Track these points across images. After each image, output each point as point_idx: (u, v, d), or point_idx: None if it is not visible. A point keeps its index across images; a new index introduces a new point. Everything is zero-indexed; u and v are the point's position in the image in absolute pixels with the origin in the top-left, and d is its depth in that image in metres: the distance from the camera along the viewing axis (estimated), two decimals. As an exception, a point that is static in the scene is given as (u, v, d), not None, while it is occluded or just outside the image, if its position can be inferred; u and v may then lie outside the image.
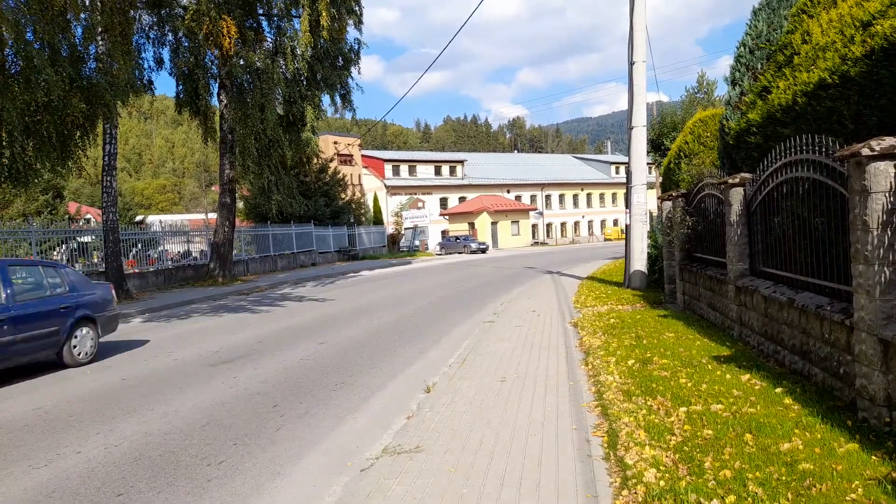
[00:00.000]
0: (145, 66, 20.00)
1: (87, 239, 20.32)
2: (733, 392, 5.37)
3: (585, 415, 5.41)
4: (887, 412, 4.21)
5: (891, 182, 4.23)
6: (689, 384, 5.79)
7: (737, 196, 7.85)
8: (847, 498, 3.31)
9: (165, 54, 20.79)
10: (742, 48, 10.03)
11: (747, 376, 5.85)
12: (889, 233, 4.23)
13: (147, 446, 5.35)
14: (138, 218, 39.84)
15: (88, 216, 43.26)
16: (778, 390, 5.30)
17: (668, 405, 5.22)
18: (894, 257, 4.22)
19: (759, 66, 9.33)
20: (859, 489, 3.39)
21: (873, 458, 3.78)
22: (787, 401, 5.00)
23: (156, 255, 22.37)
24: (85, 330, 9.21)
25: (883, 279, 4.25)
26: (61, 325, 8.78)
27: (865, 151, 4.26)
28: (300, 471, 4.70)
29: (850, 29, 5.99)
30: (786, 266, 6.50)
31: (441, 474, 4.22)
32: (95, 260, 19.70)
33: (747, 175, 7.69)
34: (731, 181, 7.89)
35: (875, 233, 4.28)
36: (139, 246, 21.79)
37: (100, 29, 13.73)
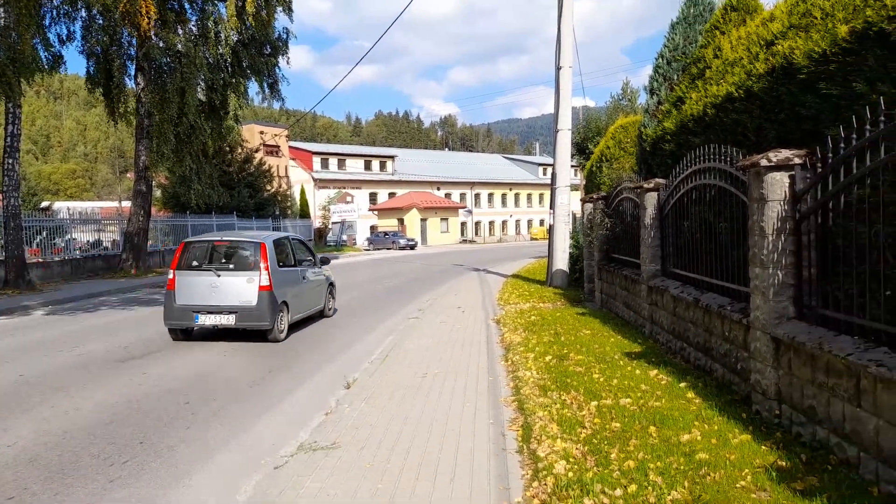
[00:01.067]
0: (54, 41, 18.73)
1: (-15, 225, 18.86)
2: (641, 387, 5.63)
3: (503, 409, 5.52)
4: (777, 405, 4.53)
5: (785, 191, 4.55)
6: (602, 379, 6.02)
7: (651, 200, 8.21)
8: (738, 485, 3.53)
9: (77, 30, 19.42)
10: (660, 59, 10.49)
11: (655, 371, 6.14)
12: (783, 239, 4.55)
13: (45, 446, 5.04)
14: (44, 204, 37.37)
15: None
16: (682, 385, 5.60)
17: (581, 399, 5.41)
18: (787, 261, 4.54)
19: (676, 77, 9.80)
20: (748, 476, 3.63)
21: (763, 447, 4.06)
22: (690, 395, 5.29)
23: (63, 244, 21.02)
24: None
25: (776, 281, 4.57)
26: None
27: (764, 162, 4.56)
28: (210, 470, 4.56)
29: (755, 47, 6.38)
30: (693, 268, 6.87)
31: (356, 470, 4.20)
32: (-1, 248, 18.33)
33: (661, 180, 8.06)
34: (646, 186, 8.25)
35: (770, 238, 4.59)
36: (44, 234, 20.41)
37: (3, 2, 12.76)
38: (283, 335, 9.33)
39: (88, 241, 22.82)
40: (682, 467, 3.81)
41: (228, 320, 8.93)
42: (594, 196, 12.27)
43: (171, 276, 9.24)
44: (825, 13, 4.97)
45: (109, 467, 4.59)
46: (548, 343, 7.99)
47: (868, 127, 3.63)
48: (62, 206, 34.51)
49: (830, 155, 4.10)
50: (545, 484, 3.79)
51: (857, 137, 3.78)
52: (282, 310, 9.32)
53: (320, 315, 11.46)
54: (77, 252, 21.21)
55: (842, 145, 3.94)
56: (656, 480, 3.64)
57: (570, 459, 4.10)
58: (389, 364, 7.44)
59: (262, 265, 9.07)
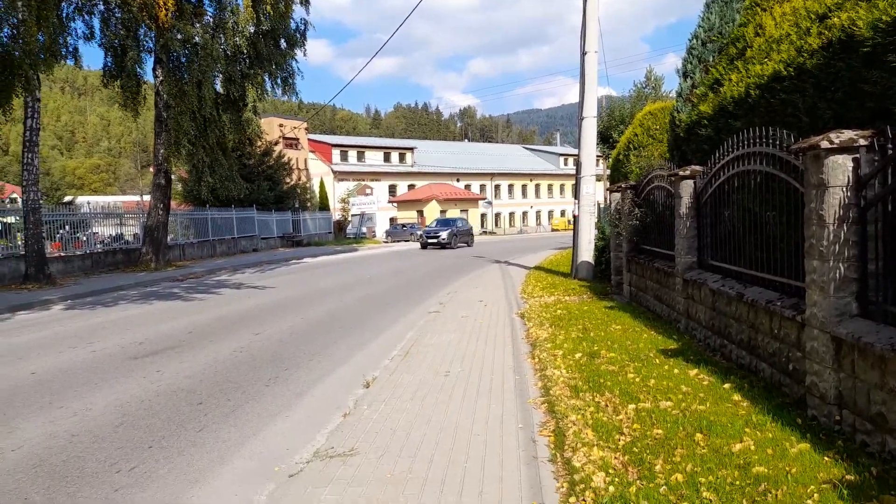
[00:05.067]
0: (72, 36, 18.62)
1: (10, 219, 18.90)
2: (682, 388, 5.22)
3: (532, 412, 5.16)
4: (837, 411, 4.11)
5: (849, 176, 4.10)
6: (637, 379, 5.62)
7: (687, 188, 7.75)
8: (804, 505, 3.14)
9: (96, 24, 19.28)
10: (695, 40, 9.97)
11: (695, 371, 5.73)
12: (845, 228, 4.11)
13: (50, 450, 4.80)
14: (67, 198, 37.77)
15: (14, 195, 40.64)
16: (726, 386, 5.18)
17: (617, 402, 5.03)
18: (850, 253, 4.10)
19: (711, 59, 9.29)
20: (815, 494, 3.23)
21: (825, 458, 3.65)
22: (736, 397, 4.88)
23: (84, 238, 21.05)
24: None
25: (838, 275, 4.13)
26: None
27: (825, 144, 4.12)
28: (221, 478, 4.27)
29: (805, 21, 5.90)
30: (735, 260, 6.42)
31: (376, 481, 3.87)
32: (19, 242, 18.37)
33: (698, 168, 7.60)
34: (681, 173, 7.79)
35: (831, 228, 4.15)
36: (66, 228, 20.44)
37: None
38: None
39: (110, 235, 22.86)
40: (737, 482, 3.42)
41: None
42: (622, 185, 11.79)
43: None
44: (891, -22, 4.48)
45: (115, 474, 4.32)
46: (576, 339, 7.60)
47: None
48: (84, 201, 34.76)
49: (904, 134, 3.65)
50: (584, 500, 3.43)
51: (938, 112, 3.34)
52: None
53: None
54: (98, 246, 21.23)
55: (919, 122, 3.49)
56: (710, 498, 3.26)
57: (610, 471, 3.73)
58: (410, 361, 7.12)
59: None
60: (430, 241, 32.30)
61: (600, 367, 6.16)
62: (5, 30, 13.34)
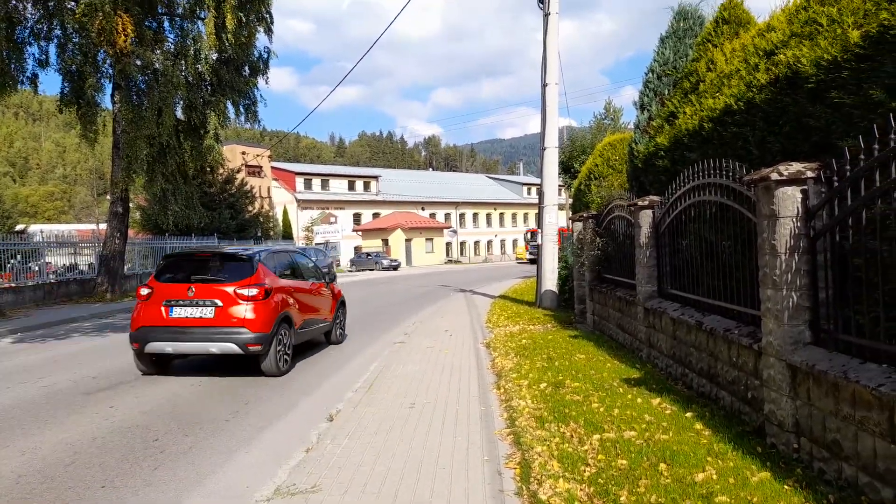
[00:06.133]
0: (28, 61, 18.25)
1: (-44, 249, 18.18)
2: (645, 417, 5.27)
3: (497, 444, 5.12)
4: (795, 438, 4.19)
5: (798, 207, 4.26)
6: (602, 409, 5.65)
7: (646, 218, 7.93)
8: (765, 533, 3.17)
9: (52, 50, 18.92)
10: (650, 74, 10.31)
11: (658, 400, 5.79)
12: (796, 258, 4.25)
13: (-8, 494, 4.55)
14: (19, 227, 36.53)
15: (-38, 224, 39.11)
16: (688, 415, 5.25)
17: (582, 432, 5.03)
18: (801, 282, 4.23)
19: (667, 92, 9.60)
20: (775, 523, 3.27)
21: (785, 487, 3.71)
22: (698, 426, 4.94)
23: (36, 269, 20.34)
24: None
25: (791, 304, 4.26)
26: None
27: (774, 176, 4.28)
28: (176, 519, 4.10)
29: (754, 58, 6.16)
30: (693, 289, 6.56)
31: (339, 519, 3.77)
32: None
33: (656, 198, 7.79)
34: (640, 203, 7.98)
35: (783, 257, 4.28)
36: (18, 258, 19.72)
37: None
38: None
39: (64, 265, 22.12)
40: (700, 512, 3.44)
41: None
42: (584, 215, 12.00)
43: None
44: (831, 19, 4.74)
45: (63, 518, 4.11)
46: (541, 369, 7.61)
47: (893, 136, 3.35)
48: (37, 229, 33.66)
49: (848, 168, 3.81)
50: (550, 534, 3.40)
51: (879, 148, 3.50)
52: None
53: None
54: (51, 276, 20.52)
55: (861, 157, 3.66)
56: (674, 529, 3.26)
57: (576, 503, 3.71)
58: (375, 393, 7.01)
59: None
60: None
61: (565, 397, 6.17)
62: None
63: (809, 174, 4.21)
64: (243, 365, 8.65)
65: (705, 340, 5.90)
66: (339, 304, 11.17)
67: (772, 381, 4.45)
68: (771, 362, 4.46)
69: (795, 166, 4.25)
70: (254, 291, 8.17)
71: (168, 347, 8.21)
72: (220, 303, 8.13)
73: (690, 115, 7.43)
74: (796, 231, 4.25)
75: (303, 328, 9.37)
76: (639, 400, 5.86)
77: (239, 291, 8.15)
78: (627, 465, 4.21)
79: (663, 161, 8.41)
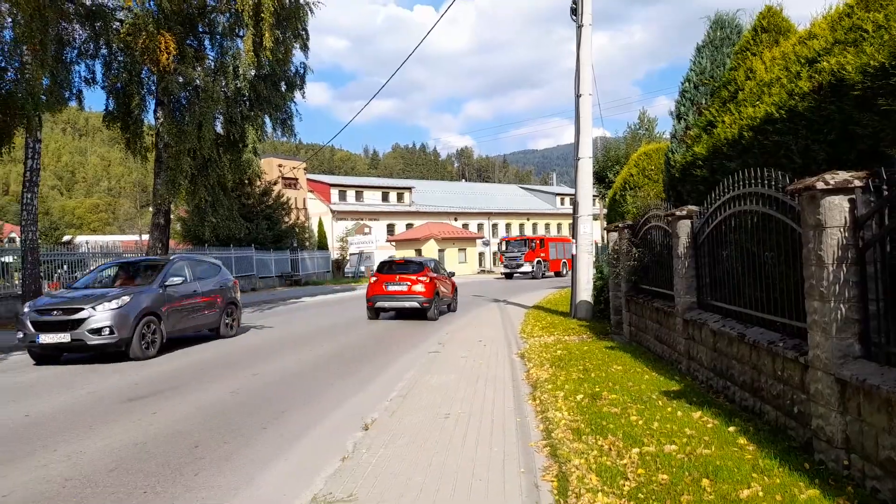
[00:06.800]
0: (75, 79, 18.95)
1: (8, 259, 18.90)
2: (686, 431, 5.15)
3: (534, 456, 5.08)
4: (845, 455, 4.05)
5: (846, 217, 4.14)
6: (641, 422, 5.55)
7: (684, 228, 7.80)
8: (815, 553, 3.07)
9: (98, 68, 19.68)
10: (687, 83, 10.18)
11: (698, 413, 5.66)
12: (844, 269, 4.12)
13: (41, 496, 4.69)
14: (66, 238, 37.79)
15: (13, 235, 40.71)
16: (731, 429, 5.11)
17: (620, 445, 4.95)
18: (850, 294, 4.10)
19: (704, 101, 9.46)
20: (825, 542, 3.16)
21: (836, 506, 3.58)
22: (742, 441, 4.81)
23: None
24: None
25: (839, 316, 4.13)
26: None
27: (820, 185, 4.17)
28: (217, 525, 4.16)
29: (795, 65, 6.04)
30: (734, 300, 6.41)
31: (376, 529, 3.78)
32: (17, 282, 18.32)
33: (694, 207, 7.66)
34: (678, 213, 7.85)
35: (831, 269, 4.16)
36: (64, 267, 20.42)
37: (22, 37, 12.84)
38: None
39: (108, 275, 22.81)
40: (746, 530, 3.35)
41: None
42: (620, 225, 11.87)
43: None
44: (878, 25, 4.62)
45: (108, 522, 4.21)
46: (577, 380, 7.52)
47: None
48: (83, 240, 34.79)
49: (899, 175, 3.70)
50: (590, 548, 3.35)
51: (932, 155, 3.39)
52: None
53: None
54: (95, 286, 21.13)
55: (913, 164, 3.54)
56: (719, 547, 3.18)
57: (616, 518, 3.65)
58: (410, 403, 7.03)
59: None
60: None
61: (602, 409, 6.08)
62: (9, 72, 13.58)
63: (857, 183, 4.09)
64: (419, 314, 16.57)
65: (748, 353, 5.76)
66: (455, 290, 19.45)
67: (819, 395, 4.31)
68: (818, 376, 4.32)
69: (842, 175, 4.14)
70: (424, 278, 16.38)
71: (385, 304, 16.59)
72: (409, 284, 16.30)
73: (729, 124, 7.30)
74: (844, 241, 4.13)
75: (442, 300, 17.58)
76: (679, 413, 5.74)
77: (418, 278, 16.33)
78: (669, 480, 4.12)
79: (701, 171, 8.27)
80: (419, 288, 16.17)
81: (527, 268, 42.04)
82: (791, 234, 4.97)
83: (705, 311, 7.29)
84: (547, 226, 71.81)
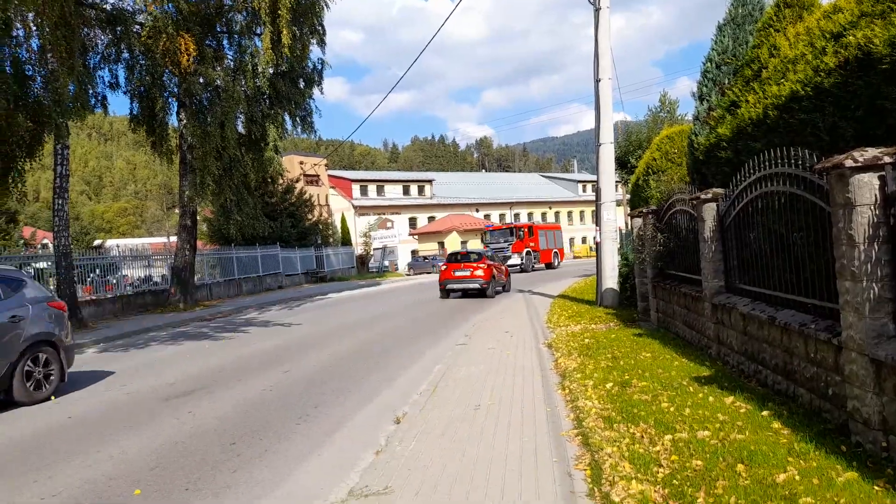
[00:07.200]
0: (99, 84, 19.32)
1: (42, 265, 19.40)
2: (718, 416, 5.13)
3: (565, 445, 5.10)
4: (883, 436, 4.00)
5: (875, 194, 4.07)
6: (672, 408, 5.53)
7: (710, 211, 7.71)
8: (854, 536, 3.05)
9: (121, 72, 20.11)
10: (708, 63, 10.02)
11: (731, 398, 5.62)
12: (876, 247, 4.06)
13: (87, 495, 4.85)
14: (96, 242, 38.62)
15: (45, 241, 41.77)
16: (764, 413, 5.07)
17: (652, 432, 4.95)
18: (882, 273, 4.04)
19: (727, 81, 9.30)
20: (865, 525, 3.14)
21: (875, 488, 3.54)
22: (776, 425, 4.77)
23: (114, 281, 21.49)
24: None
25: (872, 296, 4.06)
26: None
27: (849, 163, 4.10)
28: (257, 520, 4.27)
29: (820, 41, 5.92)
30: (763, 283, 6.34)
31: (412, 520, 3.84)
32: (52, 287, 18.82)
33: (719, 190, 7.56)
34: (703, 196, 7.76)
35: (862, 247, 4.10)
36: (97, 272, 20.89)
37: (49, 46, 13.14)
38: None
39: (139, 277, 23.28)
40: (783, 514, 3.34)
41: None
42: (643, 210, 11.76)
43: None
44: (906, -3, 4.50)
45: (152, 518, 4.34)
46: (606, 368, 7.51)
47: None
48: (113, 244, 35.54)
49: (931, 151, 3.62)
50: (625, 535, 3.37)
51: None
52: None
53: None
54: (128, 288, 21.63)
55: (946, 139, 3.46)
56: (755, 531, 3.17)
57: (650, 505, 3.66)
58: (439, 395, 7.09)
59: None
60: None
61: (633, 397, 6.07)
62: (37, 80, 13.90)
63: (887, 159, 4.01)
64: (479, 294, 20.45)
65: (779, 336, 5.69)
66: (508, 274, 23.54)
67: (854, 376, 4.25)
68: (852, 357, 4.27)
69: (871, 151, 4.06)
70: (483, 265, 20.44)
71: (454, 286, 20.78)
72: (471, 270, 20.40)
73: (754, 104, 7.19)
74: (875, 219, 4.06)
75: (497, 282, 21.39)
76: (710, 398, 5.71)
77: (478, 265, 20.50)
78: (703, 466, 4.11)
79: (726, 152, 8.16)
80: (479, 273, 20.24)
81: (515, 259, 36.80)
82: (820, 214, 4.90)
83: (734, 295, 7.21)
84: (570, 213, 71.39)
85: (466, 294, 21.06)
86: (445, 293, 21.09)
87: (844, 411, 4.46)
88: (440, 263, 46.13)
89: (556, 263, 41.37)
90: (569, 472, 4.49)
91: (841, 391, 4.53)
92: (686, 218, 9.16)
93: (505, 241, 38.85)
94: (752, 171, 6.34)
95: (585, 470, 4.45)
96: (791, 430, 4.62)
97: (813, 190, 5.01)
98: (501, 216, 64.54)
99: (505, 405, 6.45)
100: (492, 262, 21.15)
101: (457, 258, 21.46)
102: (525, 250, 38.50)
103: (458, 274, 20.50)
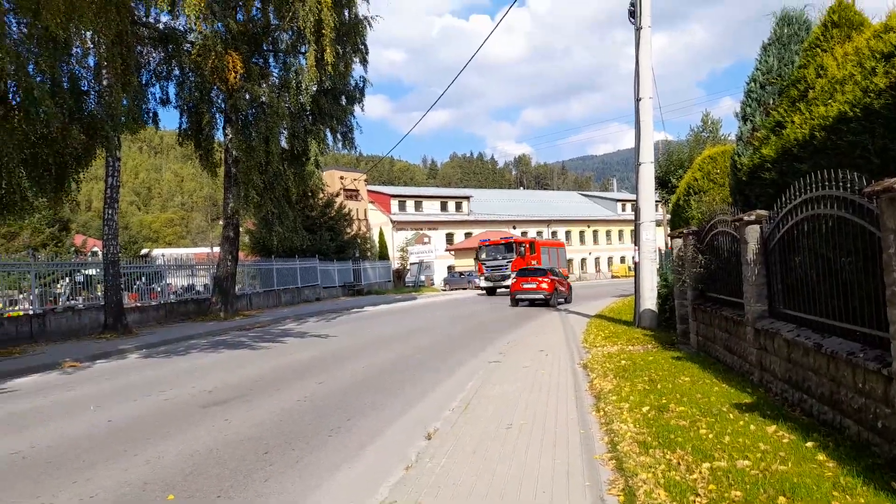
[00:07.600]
0: (150, 100, 20.08)
1: (91, 272, 20.11)
2: (760, 446, 4.96)
3: (599, 469, 5.00)
4: (936, 474, 3.80)
5: (930, 220, 3.91)
6: (711, 435, 5.37)
7: (753, 234, 7.52)
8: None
9: (171, 88, 20.98)
10: (752, 83, 9.83)
11: (773, 427, 5.43)
12: (930, 275, 3.89)
13: (122, 498, 4.95)
14: (143, 251, 39.81)
15: (95, 249, 43.32)
16: (809, 444, 4.88)
17: (690, 460, 4.81)
18: (937, 301, 3.87)
19: (771, 101, 9.11)
20: (915, 567, 2.98)
21: (926, 528, 3.37)
22: (821, 457, 4.59)
23: (158, 289, 22.12)
24: None
25: (925, 325, 3.89)
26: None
27: (900, 187, 3.95)
28: (287, 530, 4.29)
29: (870, 61, 5.76)
30: (809, 308, 6.13)
31: (441, 539, 3.81)
32: (99, 293, 19.46)
33: (763, 212, 7.38)
34: (746, 218, 7.58)
35: (914, 274, 3.94)
36: (143, 279, 21.54)
37: (105, 63, 13.75)
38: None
39: (182, 286, 23.93)
40: (826, 551, 3.19)
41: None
42: (684, 231, 11.54)
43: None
44: (963, 16, 4.35)
45: (186, 524, 4.41)
46: (643, 391, 7.35)
47: None
48: (159, 253, 36.59)
49: None
50: (658, 565, 3.27)
51: None
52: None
53: None
54: (172, 296, 22.22)
55: None
56: (796, 568, 3.05)
57: (685, 534, 3.55)
58: (472, 412, 7.04)
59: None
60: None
61: (670, 422, 5.93)
62: (91, 95, 14.52)
63: (942, 184, 3.86)
64: (544, 303, 23.99)
65: (825, 364, 5.49)
66: (570, 288, 27.12)
67: (905, 409, 4.07)
68: (903, 389, 4.09)
69: (925, 175, 3.91)
70: (547, 280, 24.24)
71: (522, 296, 24.45)
72: (537, 283, 24.18)
73: (800, 124, 7.02)
74: (929, 246, 3.90)
75: (560, 294, 24.70)
76: (752, 427, 5.53)
77: (543, 279, 24.22)
78: (742, 497, 3.97)
79: (770, 174, 7.97)
80: (544, 286, 24.05)
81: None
82: (870, 239, 4.73)
83: (777, 320, 6.99)
84: (608, 232, 70.59)
85: (533, 304, 24.58)
86: (515, 302, 24.71)
87: (895, 445, 4.26)
88: (476, 279, 46.25)
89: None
90: (601, 496, 4.39)
91: (891, 424, 4.33)
92: (728, 240, 8.96)
93: (503, 258, 35.20)
94: (798, 192, 6.17)
95: (619, 496, 4.35)
96: (837, 463, 4.43)
97: (862, 214, 4.85)
98: (539, 233, 64.19)
99: (538, 425, 6.37)
100: (555, 277, 25.04)
101: (525, 272, 25.64)
102: None
103: (526, 286, 24.24)
